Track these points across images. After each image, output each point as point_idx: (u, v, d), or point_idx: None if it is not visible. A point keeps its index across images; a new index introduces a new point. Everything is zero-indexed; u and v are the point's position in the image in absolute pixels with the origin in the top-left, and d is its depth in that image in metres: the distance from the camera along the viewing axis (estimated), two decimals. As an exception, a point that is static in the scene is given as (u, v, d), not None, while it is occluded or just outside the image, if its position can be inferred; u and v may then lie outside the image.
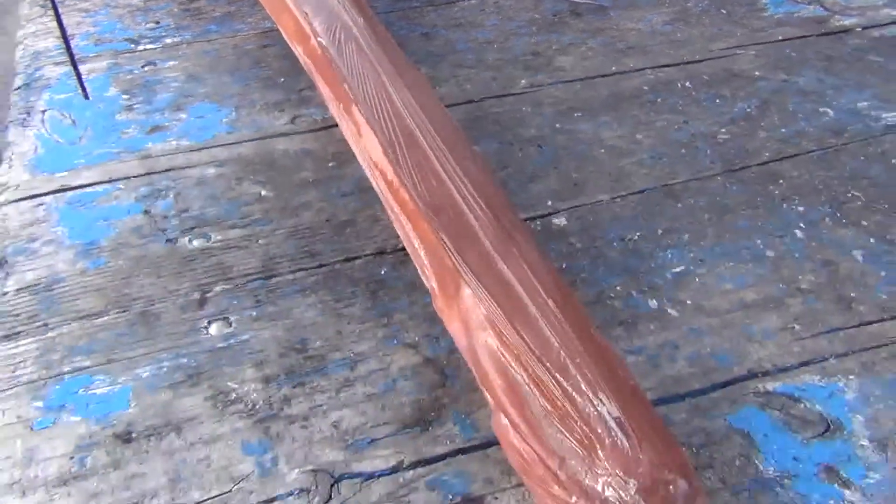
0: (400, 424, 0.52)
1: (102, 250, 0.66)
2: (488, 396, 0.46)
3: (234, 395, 0.54)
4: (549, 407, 0.43)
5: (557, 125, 0.81)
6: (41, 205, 0.70)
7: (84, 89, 0.88)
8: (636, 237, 0.67)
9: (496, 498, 0.48)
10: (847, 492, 0.48)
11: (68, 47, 0.93)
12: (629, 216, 0.69)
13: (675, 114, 0.82)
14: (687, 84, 0.87)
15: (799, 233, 0.67)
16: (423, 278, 0.54)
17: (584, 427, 0.42)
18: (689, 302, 0.61)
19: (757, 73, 0.89)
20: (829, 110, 0.83)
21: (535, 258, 0.51)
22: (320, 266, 0.65)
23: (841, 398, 0.54)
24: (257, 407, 0.53)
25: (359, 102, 0.63)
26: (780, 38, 0.96)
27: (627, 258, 0.65)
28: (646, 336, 0.58)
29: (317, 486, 0.49)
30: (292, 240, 0.68)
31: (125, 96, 0.85)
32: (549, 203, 0.71)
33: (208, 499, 0.48)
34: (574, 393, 0.42)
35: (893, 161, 0.76)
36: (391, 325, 0.59)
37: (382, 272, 0.64)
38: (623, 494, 0.39)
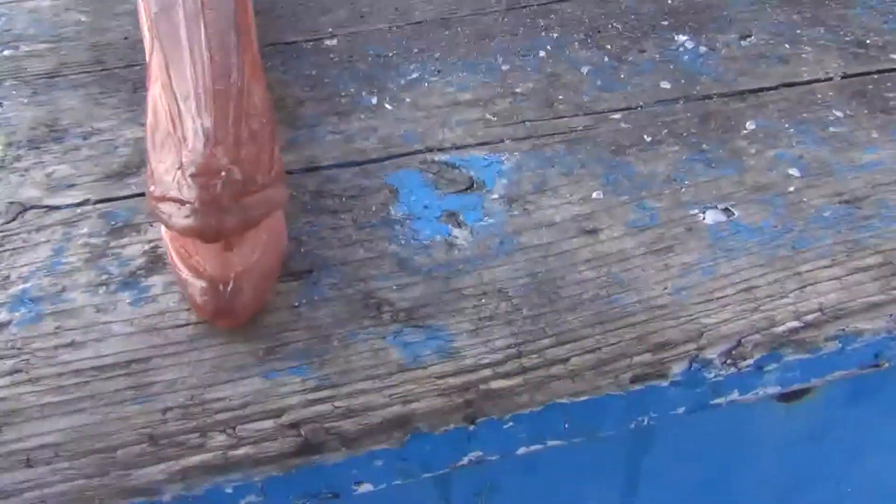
0: (102, 175, 0.60)
1: (-77, 54, 0.75)
2: None
3: (-22, 151, 0.63)
4: (170, 130, 0.50)
5: (373, -26, 0.87)
6: None
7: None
8: (391, 55, 0.73)
9: (151, 225, 0.55)
10: (457, 230, 0.54)
11: None
12: (395, 39, 0.76)
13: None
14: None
15: (542, 52, 0.72)
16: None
17: (179, 139, 0.48)
18: (408, 100, 0.67)
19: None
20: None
21: (224, 32, 0.57)
22: (103, 70, 0.73)
23: (497, 167, 0.59)
24: (-8, 159, 0.62)
25: None
26: None
27: (374, 69, 0.71)
28: (353, 122, 0.64)
29: (7, 213, 0.57)
30: (90, 52, 0.76)
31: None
32: (330, 30, 0.78)
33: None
34: (186, 115, 0.49)
35: (669, 1, 0.79)
36: (138, 111, 0.67)
37: (149, 73, 0.71)
38: (177, 176, 0.46)
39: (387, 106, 0.66)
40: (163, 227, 0.47)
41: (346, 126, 0.64)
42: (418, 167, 0.59)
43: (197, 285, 0.45)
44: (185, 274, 0.47)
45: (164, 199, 0.45)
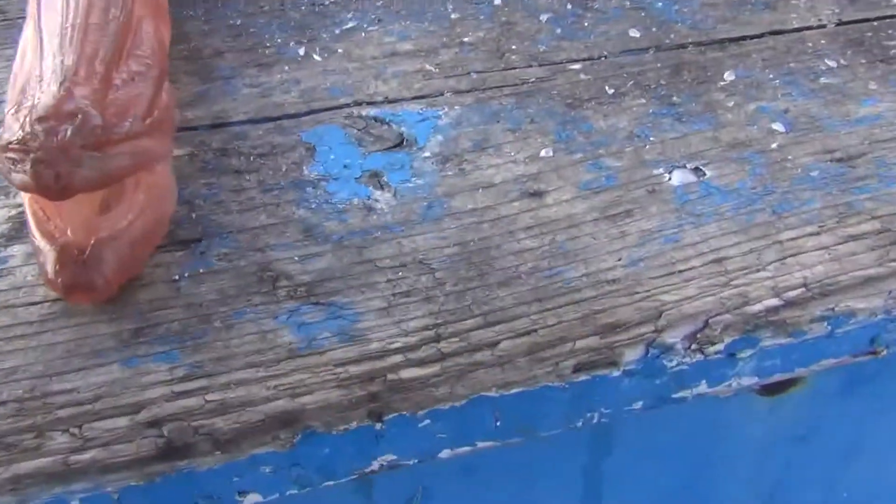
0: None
1: None
2: None
3: None
4: (32, 71, 0.42)
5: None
6: None
7: None
8: (328, 2, 0.64)
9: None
10: (378, 192, 0.46)
11: None
12: (335, -13, 0.67)
13: None
14: None
15: (499, 1, 0.63)
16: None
17: (37, 78, 0.40)
18: (340, 51, 0.58)
19: None
20: None
21: None
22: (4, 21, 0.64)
23: (432, 122, 0.51)
24: None
25: None
26: None
27: (307, 17, 0.63)
28: (274, 75, 0.56)
29: None
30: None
31: None
32: (264, -22, 0.69)
33: None
34: (48, 52, 0.41)
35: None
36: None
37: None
38: (24, 121, 0.37)
39: (315, 57, 0.57)
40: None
41: (265, 79, 0.55)
42: (342, 123, 0.50)
43: (49, 253, 0.37)
44: (39, 240, 0.38)
45: (6, 147, 0.36)
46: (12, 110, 0.39)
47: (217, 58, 0.58)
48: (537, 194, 0.45)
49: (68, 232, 0.38)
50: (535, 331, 0.38)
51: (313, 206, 0.45)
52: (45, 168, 0.35)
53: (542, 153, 0.48)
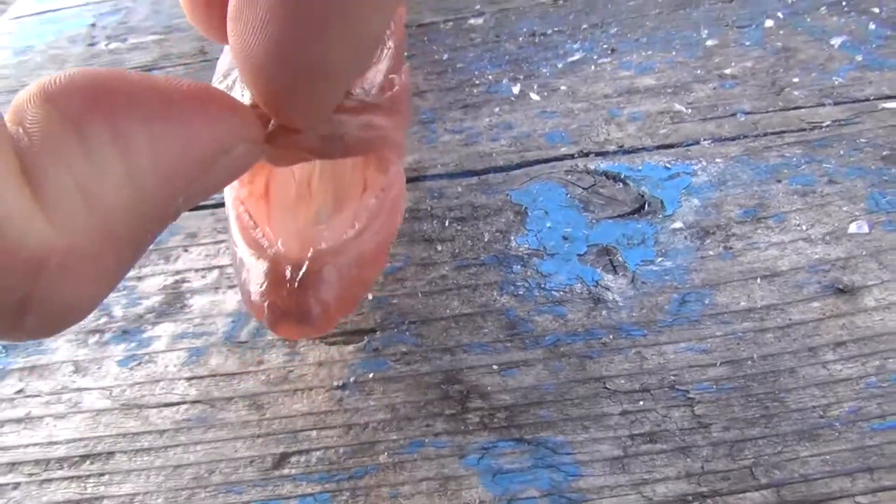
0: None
1: (31, 50, 0.67)
2: None
3: None
4: None
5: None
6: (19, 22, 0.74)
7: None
8: (550, 31, 0.54)
9: (187, 251, 0.40)
10: (610, 276, 0.33)
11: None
12: (559, 14, 0.56)
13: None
14: None
15: (770, 22, 0.49)
16: None
17: None
18: (563, 88, 0.47)
19: None
20: None
21: None
22: (203, 61, 0.60)
23: (685, 180, 0.38)
24: None
25: None
26: None
27: (524, 49, 0.52)
28: (482, 118, 0.46)
29: None
30: (196, 41, 0.64)
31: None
32: (478, 6, 0.60)
33: None
34: None
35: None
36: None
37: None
38: None
39: (532, 96, 0.46)
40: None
41: (471, 123, 0.44)
42: (562, 179, 0.38)
43: (257, 267, 0.28)
44: (243, 250, 0.29)
45: None
46: None
47: (417, 98, 0.49)
48: (849, 291, 0.30)
49: (279, 244, 0.29)
50: (863, 522, 0.23)
51: (521, 291, 0.33)
52: None
53: (852, 228, 0.33)
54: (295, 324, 0.27)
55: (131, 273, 0.39)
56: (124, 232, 0.17)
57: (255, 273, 0.27)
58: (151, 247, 0.41)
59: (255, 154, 0.21)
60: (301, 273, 0.26)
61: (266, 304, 0.26)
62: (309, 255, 0.27)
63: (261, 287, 0.27)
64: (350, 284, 0.28)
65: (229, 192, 0.30)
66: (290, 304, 0.26)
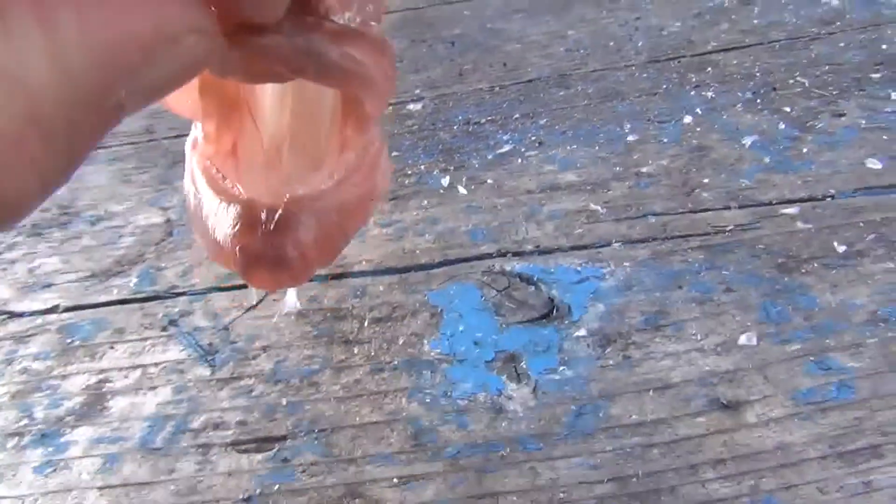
0: (89, 273, 0.47)
1: None
2: None
3: (-25, 236, 0.53)
4: None
5: (488, 25, 0.71)
6: None
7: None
8: (484, 121, 0.56)
9: (112, 348, 0.41)
10: (513, 385, 0.35)
11: None
12: (494, 102, 0.58)
13: (632, 11, 0.68)
14: (671, -19, 0.72)
15: (689, 118, 0.52)
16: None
17: None
18: (489, 181, 0.49)
19: (768, -33, 0.71)
20: (833, 0, 0.64)
21: None
22: (149, 140, 0.62)
23: (593, 284, 0.39)
24: (-15, 247, 0.51)
25: None
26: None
27: (458, 139, 0.54)
28: (410, 211, 0.47)
29: (-31, 315, 0.45)
30: (144, 119, 0.65)
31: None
32: (417, 91, 0.62)
33: None
34: None
35: (883, 46, 0.56)
36: (166, 189, 0.54)
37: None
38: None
39: (460, 189, 0.48)
40: (188, 142, 0.28)
41: (398, 216, 0.46)
42: (479, 280, 0.40)
43: (225, 212, 0.25)
44: (208, 198, 0.26)
45: None
46: None
47: (351, 188, 0.50)
48: (733, 406, 0.32)
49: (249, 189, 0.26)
50: None
51: (428, 399, 0.34)
52: None
53: (742, 339, 0.35)
54: (269, 270, 0.24)
55: (56, 371, 0.40)
56: (52, 117, 0.15)
57: (225, 218, 0.24)
58: (78, 342, 0.42)
59: (207, 48, 0.19)
60: (277, 215, 0.24)
61: (238, 248, 0.24)
62: (285, 199, 0.24)
63: (232, 229, 0.24)
64: (329, 231, 0.25)
65: (191, 150, 0.28)
66: (265, 247, 0.24)
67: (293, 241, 0.24)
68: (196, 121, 0.27)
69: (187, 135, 0.29)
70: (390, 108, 0.60)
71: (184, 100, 0.26)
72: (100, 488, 0.33)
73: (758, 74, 0.55)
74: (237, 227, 0.24)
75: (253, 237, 0.23)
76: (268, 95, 0.28)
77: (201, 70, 0.20)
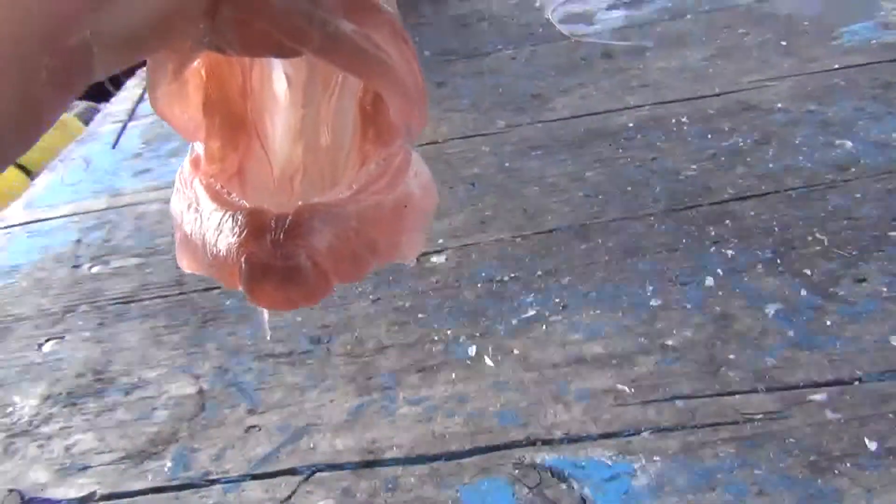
0: (123, 454, 0.48)
1: (17, 272, 0.70)
2: None
3: (10, 409, 0.54)
4: None
5: (506, 164, 0.73)
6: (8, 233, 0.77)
7: (117, 141, 0.97)
8: (507, 278, 0.57)
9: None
10: None
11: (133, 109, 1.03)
12: (516, 256, 0.59)
13: (646, 150, 0.70)
14: (683, 119, 0.74)
15: (710, 280, 0.53)
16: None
17: None
18: (516, 352, 0.50)
19: (778, 104, 0.73)
20: (847, 142, 0.65)
21: None
22: (179, 294, 0.63)
23: (625, 482, 0.40)
24: (20, 422, 0.52)
25: None
26: (836, 66, 0.78)
27: (483, 300, 0.55)
28: (438, 386, 0.48)
29: (3, 502, 0.46)
30: (173, 270, 0.67)
31: (142, 145, 0.92)
32: (441, 241, 0.63)
33: None
34: None
35: (900, 199, 0.57)
36: (197, 353, 0.55)
37: (227, 303, 0.61)
38: None
39: (486, 361, 0.48)
40: (185, 161, 0.25)
41: (427, 392, 0.47)
42: (510, 475, 0.40)
43: (228, 220, 0.22)
44: (208, 208, 0.23)
45: None
46: None
47: (379, 355, 0.51)
48: None
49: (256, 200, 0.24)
50: None
51: None
52: None
53: (778, 554, 0.35)
54: (279, 283, 0.20)
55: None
56: (6, 52, 0.14)
57: (228, 226, 0.21)
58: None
59: None
60: (287, 222, 0.21)
61: (243, 258, 0.20)
62: (297, 204, 0.21)
63: (237, 238, 0.21)
64: (347, 238, 0.22)
65: (190, 169, 0.25)
66: (274, 256, 0.20)
67: (306, 248, 0.20)
68: (194, 141, 0.25)
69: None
70: (414, 261, 0.62)
71: (180, 112, 0.24)
72: None
73: (776, 229, 0.56)
74: (243, 235, 0.20)
75: (260, 245, 0.20)
76: (279, 122, 0.26)
77: (185, 30, 0.17)
